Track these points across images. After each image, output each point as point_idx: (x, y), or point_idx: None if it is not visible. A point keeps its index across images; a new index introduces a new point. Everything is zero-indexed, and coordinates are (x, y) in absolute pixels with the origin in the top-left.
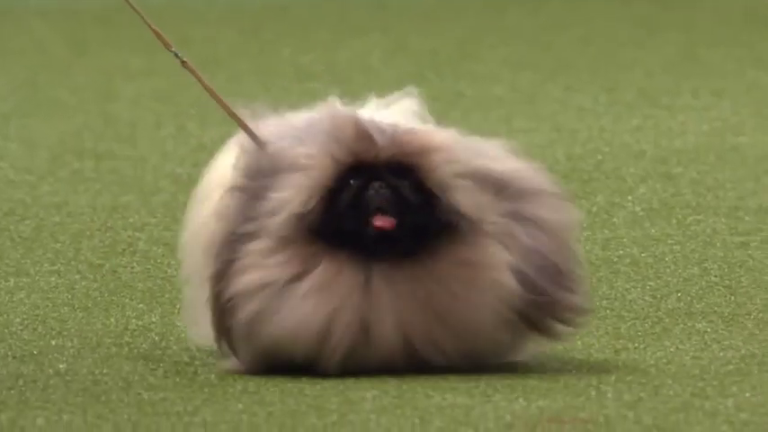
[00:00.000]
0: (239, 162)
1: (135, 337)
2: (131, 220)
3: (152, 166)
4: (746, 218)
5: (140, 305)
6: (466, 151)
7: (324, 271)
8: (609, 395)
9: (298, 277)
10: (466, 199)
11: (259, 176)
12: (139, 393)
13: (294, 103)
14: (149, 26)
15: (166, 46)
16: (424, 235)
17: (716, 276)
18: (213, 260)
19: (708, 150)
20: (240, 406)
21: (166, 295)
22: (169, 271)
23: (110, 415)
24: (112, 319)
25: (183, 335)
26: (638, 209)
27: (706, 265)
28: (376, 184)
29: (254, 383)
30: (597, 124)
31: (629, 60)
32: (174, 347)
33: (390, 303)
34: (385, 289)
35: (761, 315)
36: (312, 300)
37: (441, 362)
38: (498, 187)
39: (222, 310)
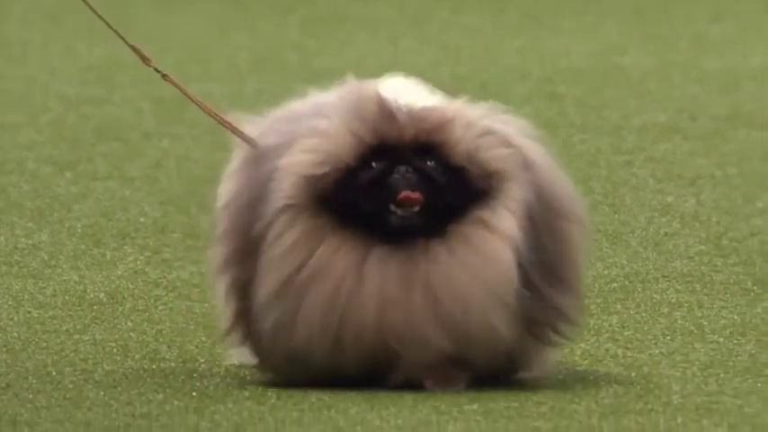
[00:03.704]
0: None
1: (24, 256)
2: (20, 139)
3: (40, 85)
4: (630, 137)
5: (29, 224)
6: (487, 118)
7: (322, 252)
8: None
9: (300, 267)
10: (492, 154)
11: (267, 158)
12: (29, 312)
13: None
14: (125, 42)
15: (145, 61)
16: (450, 216)
17: (600, 195)
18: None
19: (592, 70)
20: (129, 324)
21: (55, 214)
22: (57, 189)
23: None
24: (1, 238)
25: (72, 253)
26: None
27: (590, 183)
28: (402, 168)
29: (142, 302)
30: (482, 44)
31: None
32: (64, 266)
33: (386, 287)
34: (381, 271)
35: (644, 233)
36: (311, 292)
37: (432, 356)
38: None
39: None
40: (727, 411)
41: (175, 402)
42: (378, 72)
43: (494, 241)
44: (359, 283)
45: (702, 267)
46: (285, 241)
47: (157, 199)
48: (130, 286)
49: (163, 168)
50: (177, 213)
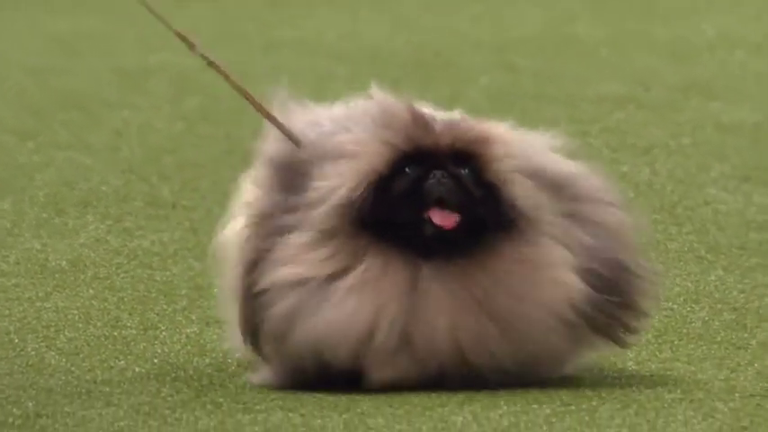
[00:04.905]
0: (270, 151)
1: None
2: None
3: (2, 56)
4: (585, 107)
5: None
6: (523, 147)
7: (368, 267)
8: None
9: (340, 273)
10: (524, 195)
11: (295, 165)
12: None
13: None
14: (171, 29)
15: (191, 48)
16: (483, 231)
17: None
18: (245, 249)
19: (546, 40)
20: (91, 291)
21: (17, 183)
22: (19, 159)
23: None
24: None
25: (34, 222)
26: (480, 98)
27: None
28: (438, 173)
29: (104, 270)
30: (438, 15)
31: None
32: (26, 234)
33: (440, 304)
34: (435, 288)
35: None
36: (353, 298)
37: (493, 370)
38: (556, 188)
39: (252, 304)
40: (681, 378)
41: (137, 369)
42: (336, 43)
43: (546, 271)
44: (415, 298)
45: (657, 236)
46: (320, 252)
47: (119, 168)
48: (92, 254)
49: (124, 138)
50: (138, 182)
